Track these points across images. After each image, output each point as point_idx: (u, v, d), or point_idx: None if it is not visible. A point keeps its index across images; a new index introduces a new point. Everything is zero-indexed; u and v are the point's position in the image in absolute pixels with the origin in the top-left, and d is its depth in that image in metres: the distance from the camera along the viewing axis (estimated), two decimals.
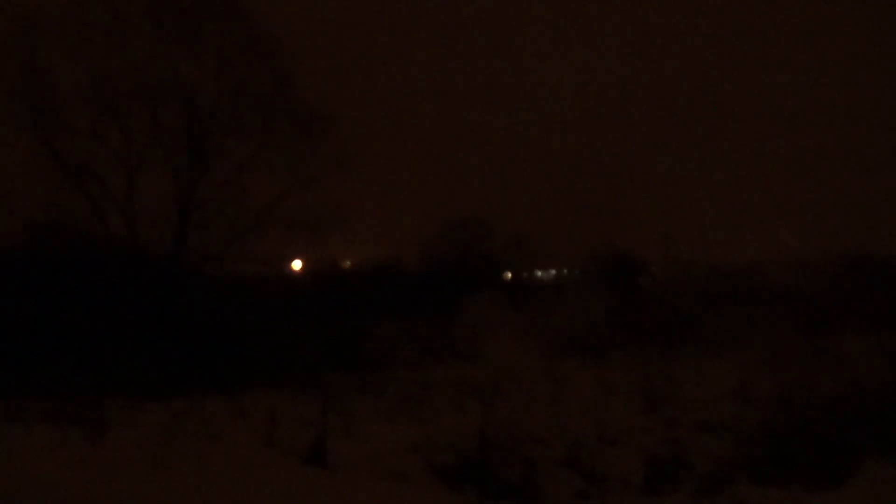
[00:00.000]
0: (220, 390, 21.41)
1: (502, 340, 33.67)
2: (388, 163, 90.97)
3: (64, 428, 15.70)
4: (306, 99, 31.29)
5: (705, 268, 59.31)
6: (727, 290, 46.08)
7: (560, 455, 14.45)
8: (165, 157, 29.91)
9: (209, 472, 12.16)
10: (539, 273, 75.73)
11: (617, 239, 71.43)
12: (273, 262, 33.35)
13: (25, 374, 21.97)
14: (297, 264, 42.02)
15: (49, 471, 12.33)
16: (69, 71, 28.11)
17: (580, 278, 66.10)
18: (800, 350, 25.69)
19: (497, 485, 12.75)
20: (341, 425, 16.37)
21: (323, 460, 13.39)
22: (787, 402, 17.64)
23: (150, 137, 29.44)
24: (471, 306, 36.73)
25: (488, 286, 48.34)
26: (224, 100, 30.38)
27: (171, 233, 29.65)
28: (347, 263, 55.28)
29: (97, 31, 27.97)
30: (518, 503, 12.17)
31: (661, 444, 15.25)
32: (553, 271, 75.70)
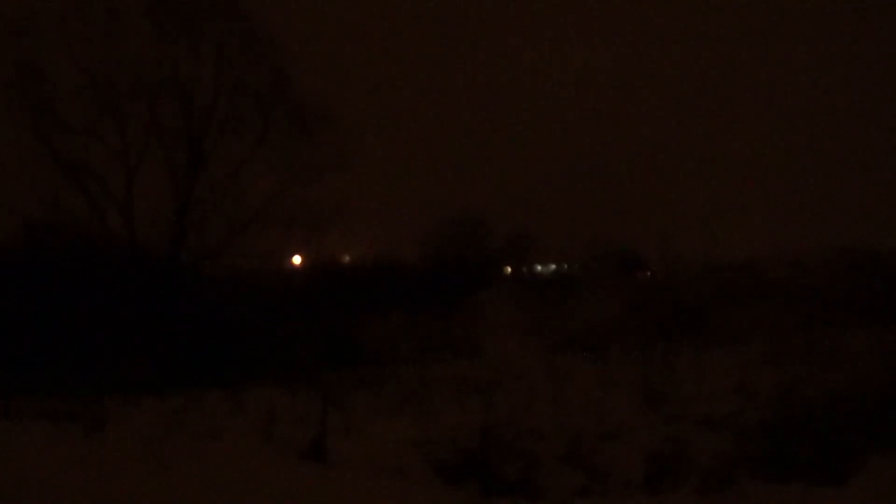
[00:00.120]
0: (219, 387, 21.38)
1: (502, 336, 33.63)
2: (386, 159, 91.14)
3: (62, 425, 15.67)
4: (304, 96, 31.34)
5: (704, 263, 59.31)
6: (727, 285, 46.04)
7: (561, 451, 14.37)
8: (164, 155, 29.90)
9: (208, 470, 12.09)
10: (539, 268, 75.72)
11: (616, 234, 71.42)
12: (272, 259, 33.26)
13: (24, 372, 21.93)
14: (296, 259, 41.94)
15: (47, 469, 12.28)
16: (68, 69, 28.08)
17: (579, 273, 66.08)
18: (800, 346, 25.65)
19: (497, 481, 12.66)
20: (341, 422, 16.29)
21: (323, 457, 13.31)
22: (788, 398, 17.56)
23: (149, 135, 29.41)
24: (475, 302, 36.75)
25: (489, 282, 48.32)
26: (222, 98, 30.41)
27: (170, 230, 29.63)
28: (346, 258, 55.18)
29: (95, 30, 27.96)
30: (519, 500, 12.07)
31: (663, 441, 15.15)
32: (553, 266, 75.68)
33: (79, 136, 28.35)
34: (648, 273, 66.96)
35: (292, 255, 39.35)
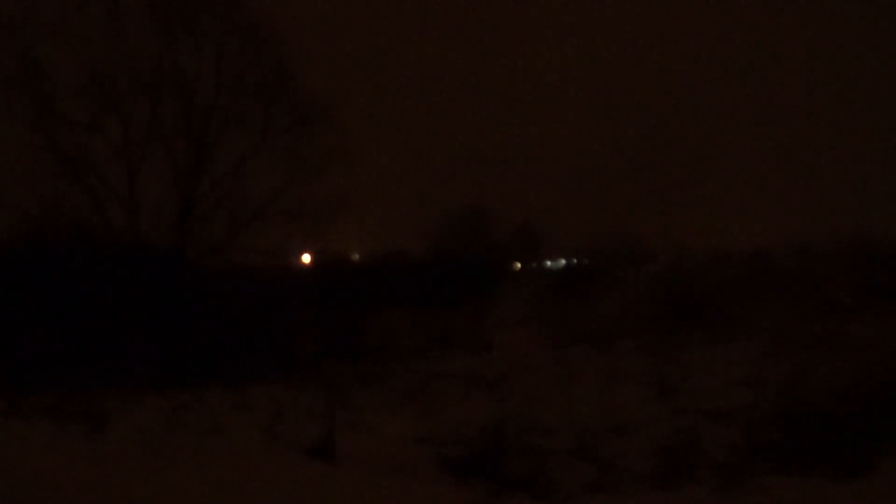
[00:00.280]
0: (223, 383, 21.24)
1: (511, 330, 33.53)
2: (391, 154, 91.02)
3: (64, 423, 15.52)
4: (307, 90, 31.12)
5: (711, 254, 59.23)
6: (734, 276, 45.96)
7: (571, 445, 14.18)
8: (166, 151, 29.70)
9: (211, 468, 11.91)
10: (549, 263, 75.78)
11: (623, 228, 71.52)
12: (276, 254, 33.07)
13: (27, 368, 21.81)
14: (306, 258, 41.85)
15: (48, 467, 12.11)
16: (68, 66, 27.89)
17: (588, 268, 66.10)
18: (809, 335, 25.53)
19: (507, 477, 12.44)
20: (347, 418, 16.11)
21: (330, 455, 13.11)
22: (799, 388, 17.40)
23: (150, 130, 29.17)
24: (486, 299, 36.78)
25: (499, 279, 48.31)
26: (224, 92, 30.17)
27: (173, 226, 29.42)
28: (356, 256, 55.16)
29: (96, 26, 27.75)
30: (529, 496, 11.85)
31: (674, 434, 14.95)
32: (563, 261, 75.79)
33: (80, 132, 28.13)
34: (657, 266, 67.01)
35: (297, 251, 39.21)
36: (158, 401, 18.71)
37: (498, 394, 18.88)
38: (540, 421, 15.77)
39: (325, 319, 30.64)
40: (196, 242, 30.06)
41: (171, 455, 12.67)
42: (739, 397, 18.09)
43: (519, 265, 71.63)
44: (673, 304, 36.14)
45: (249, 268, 32.38)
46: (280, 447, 13.90)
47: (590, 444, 14.23)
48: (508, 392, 19.20)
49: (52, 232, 27.57)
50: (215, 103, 29.97)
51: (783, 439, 14.12)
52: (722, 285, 40.33)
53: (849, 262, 42.47)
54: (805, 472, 11.70)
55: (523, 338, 31.91)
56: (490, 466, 12.89)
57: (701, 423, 15.80)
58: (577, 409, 16.98)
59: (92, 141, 28.33)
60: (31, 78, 27.21)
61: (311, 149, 30.68)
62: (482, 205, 69.93)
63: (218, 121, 30.05)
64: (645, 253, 68.30)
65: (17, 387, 19.94)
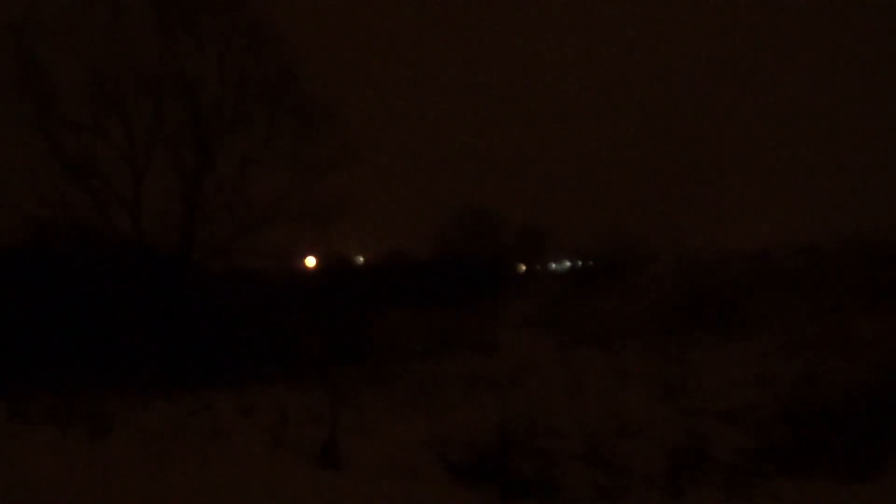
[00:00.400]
0: (228, 387, 21.16)
1: (517, 331, 33.42)
2: (396, 155, 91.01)
3: (68, 426, 15.46)
4: (311, 91, 31.00)
5: (715, 254, 59.14)
6: (739, 275, 45.87)
7: (578, 448, 14.06)
8: (170, 153, 29.61)
9: (215, 474, 11.82)
10: (554, 265, 75.72)
11: (628, 229, 71.45)
12: (281, 257, 32.96)
13: (31, 371, 21.75)
14: (310, 261, 41.79)
15: (51, 472, 12.06)
16: (72, 67, 27.80)
17: (593, 269, 66.02)
18: (815, 335, 25.46)
19: (514, 480, 12.33)
20: (352, 421, 16.01)
21: (334, 461, 12.99)
22: (808, 389, 17.32)
23: (154, 132, 29.08)
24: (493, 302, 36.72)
25: (504, 281, 48.22)
26: (228, 93, 30.08)
27: (176, 228, 29.33)
28: (361, 259, 55.10)
29: (99, 27, 27.67)
30: (536, 500, 11.74)
31: (683, 436, 14.84)
32: (568, 262, 75.74)
33: (84, 134, 28.04)
34: (661, 266, 66.86)
35: (302, 253, 39.12)
36: (163, 404, 18.65)
37: (504, 396, 18.75)
38: (547, 423, 15.65)
39: (329, 321, 30.54)
40: (200, 245, 29.95)
41: (174, 461, 12.60)
42: (746, 398, 18.01)
43: (524, 267, 71.58)
44: (678, 304, 36.06)
45: (254, 270, 32.30)
46: (285, 452, 13.81)
47: (597, 447, 14.10)
48: (515, 394, 19.07)
49: (56, 234, 27.49)
50: (219, 105, 29.88)
51: (791, 441, 14.03)
52: (727, 285, 40.22)
53: (853, 262, 42.41)
54: (814, 475, 11.62)
55: (529, 339, 31.82)
56: (497, 470, 12.77)
57: (709, 424, 15.70)
58: (584, 411, 16.87)
59: (95, 143, 28.26)
60: (34, 80, 27.14)
61: (315, 150, 30.60)
62: (487, 206, 69.92)
63: (222, 122, 29.96)
64: (649, 253, 68.14)
65: (22, 389, 19.88)
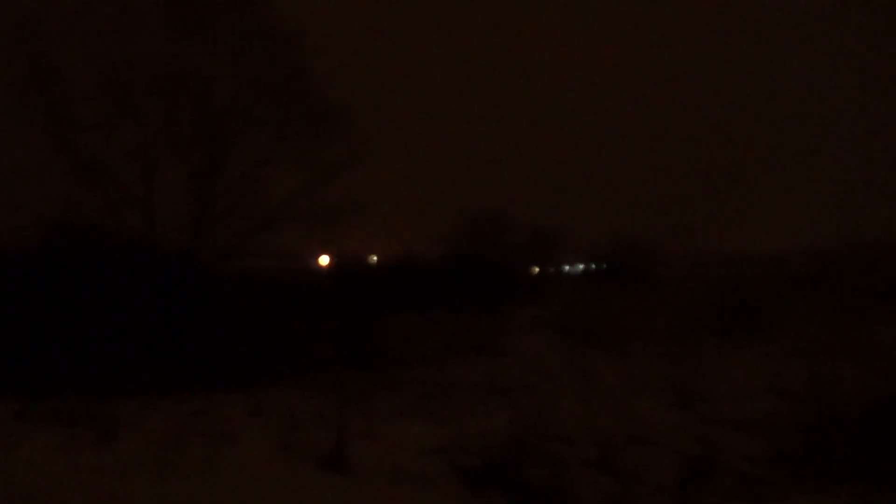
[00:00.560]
0: (237, 388, 21.06)
1: (527, 335, 33.27)
2: (410, 155, 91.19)
3: (74, 429, 15.35)
4: (324, 91, 30.91)
5: (730, 259, 59.11)
6: (753, 281, 45.78)
7: (590, 455, 13.90)
8: (182, 153, 29.53)
9: (221, 479, 11.69)
10: (567, 268, 75.66)
11: (640, 232, 71.48)
12: (292, 257, 32.87)
13: (39, 372, 21.68)
14: (324, 259, 41.73)
15: (56, 474, 11.95)
16: (82, 67, 27.73)
17: (606, 272, 65.99)
18: (830, 340, 25.34)
19: (525, 488, 12.17)
20: (361, 426, 15.88)
21: (342, 465, 12.84)
22: (821, 396, 17.15)
23: (166, 132, 29.00)
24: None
25: (516, 281, 48.07)
26: (240, 93, 30.00)
27: (188, 228, 29.26)
28: (374, 259, 55.06)
29: (110, 26, 27.61)
30: None
31: (695, 443, 14.69)
32: (581, 265, 75.71)
33: (95, 134, 27.96)
34: (675, 270, 66.88)
35: (313, 254, 39.06)
36: (171, 406, 18.54)
37: (515, 401, 18.61)
38: (559, 430, 15.51)
39: (340, 324, 30.43)
40: (211, 245, 29.89)
41: (180, 464, 12.48)
42: (760, 405, 17.90)
43: (537, 269, 71.46)
44: (692, 308, 35.92)
45: (265, 271, 32.25)
46: (293, 456, 13.67)
47: (609, 453, 13.94)
48: (526, 399, 18.93)
49: (66, 234, 27.42)
50: (231, 105, 29.80)
51: (805, 449, 13.88)
52: (740, 290, 40.09)
53: (867, 267, 42.26)
54: (828, 486, 11.47)
55: (541, 343, 31.69)
56: (508, 477, 12.63)
57: (721, 432, 15.56)
58: (597, 417, 16.73)
59: (106, 143, 28.19)
60: (45, 79, 27.08)
61: (327, 151, 30.50)
62: (500, 208, 69.89)
63: (233, 122, 29.87)
64: (663, 257, 68.14)
65: (29, 390, 19.80)
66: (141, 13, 27.94)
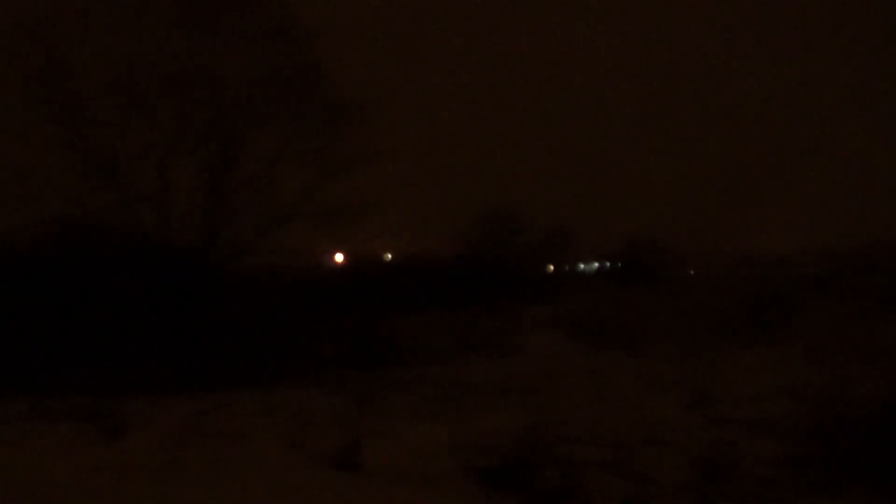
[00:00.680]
0: (249, 386, 20.99)
1: (541, 333, 33.13)
2: (423, 152, 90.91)
3: (84, 426, 15.29)
4: (338, 88, 30.85)
5: (741, 258, 59.02)
6: (766, 281, 45.69)
7: (605, 457, 13.76)
8: (194, 148, 29.50)
9: (230, 478, 11.58)
10: (582, 266, 75.55)
11: (654, 231, 71.17)
12: (305, 255, 32.86)
13: (49, 369, 21.66)
14: (338, 257, 41.77)
15: (65, 474, 11.86)
16: (95, 63, 27.70)
17: (620, 271, 65.85)
18: (844, 341, 25.22)
19: (539, 489, 12.03)
20: (373, 424, 15.77)
21: (354, 464, 12.72)
22: (838, 398, 17.02)
23: (179, 129, 28.97)
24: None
25: (530, 279, 47.93)
26: (253, 90, 29.95)
27: (201, 225, 29.24)
28: (388, 256, 55.01)
29: (123, 22, 27.58)
30: None
31: (710, 444, 14.53)
32: (596, 264, 75.60)
33: (107, 131, 27.95)
34: (691, 271, 66.78)
35: (326, 252, 39.08)
36: (182, 404, 18.45)
37: (529, 401, 18.49)
38: (573, 430, 15.38)
39: (352, 321, 30.35)
40: (224, 242, 29.88)
41: (190, 464, 12.39)
42: (775, 406, 17.72)
43: (552, 267, 71.32)
44: (707, 308, 35.76)
45: (277, 269, 32.22)
46: (304, 456, 13.56)
47: (625, 455, 13.81)
48: (540, 399, 18.80)
49: (78, 232, 27.41)
50: (244, 101, 29.77)
51: (821, 453, 13.72)
52: (754, 290, 39.96)
53: (879, 268, 42.18)
54: (844, 491, 11.33)
55: (554, 342, 31.56)
56: (522, 478, 12.49)
57: (737, 433, 15.40)
58: (611, 418, 16.60)
59: (119, 140, 28.17)
60: (58, 77, 27.05)
61: (341, 148, 30.48)
62: (514, 206, 69.66)
63: (247, 119, 29.85)
64: (677, 257, 67.93)
65: (42, 387, 19.78)
66: (154, 10, 27.94)
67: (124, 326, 24.21)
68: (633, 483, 12.56)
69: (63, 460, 12.72)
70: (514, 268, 57.47)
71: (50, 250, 26.61)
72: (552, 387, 21.12)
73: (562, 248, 70.78)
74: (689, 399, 18.58)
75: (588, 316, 35.25)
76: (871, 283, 39.25)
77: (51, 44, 26.67)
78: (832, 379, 19.00)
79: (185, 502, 10.41)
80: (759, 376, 21.69)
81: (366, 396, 19.17)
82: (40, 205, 26.50)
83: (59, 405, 17.78)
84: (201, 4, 28.36)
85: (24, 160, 26.16)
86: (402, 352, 27.95)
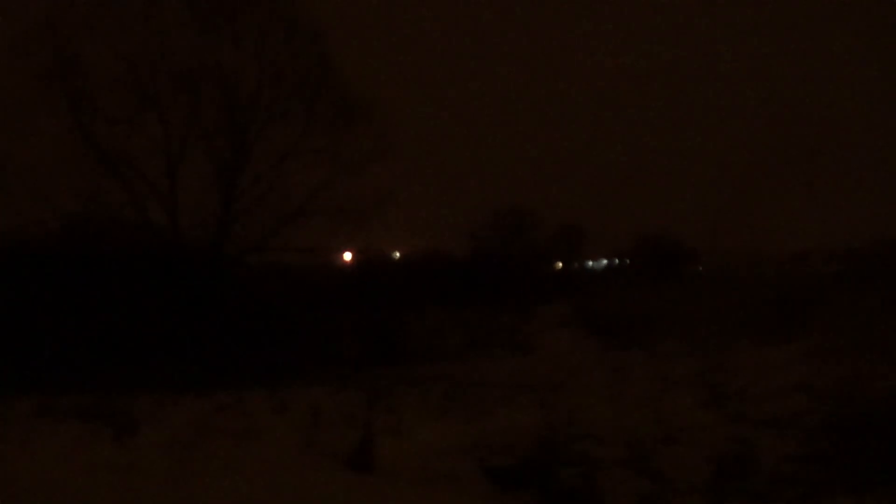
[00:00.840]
0: (261, 384, 20.90)
1: (553, 331, 33.01)
2: (434, 150, 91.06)
3: (94, 425, 15.18)
4: (349, 85, 30.80)
5: (755, 256, 58.88)
6: (781, 278, 45.63)
7: (622, 455, 13.60)
8: (206, 146, 29.47)
9: (243, 475, 11.47)
10: (591, 263, 75.44)
11: (665, 229, 71.07)
12: (317, 252, 32.79)
13: (60, 367, 21.60)
14: (347, 256, 41.73)
15: (75, 472, 11.76)
16: (107, 60, 27.68)
17: (630, 268, 65.70)
18: (859, 338, 25.09)
19: (555, 488, 11.89)
20: (386, 423, 15.62)
21: (367, 464, 12.58)
22: (855, 395, 16.90)
23: (190, 126, 28.94)
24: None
25: (541, 276, 47.81)
26: (265, 86, 29.90)
27: (212, 222, 29.21)
28: (397, 255, 54.96)
29: (135, 19, 27.55)
30: None
31: (727, 442, 14.38)
32: (605, 261, 75.51)
33: (119, 127, 27.95)
34: (700, 267, 66.58)
35: (338, 248, 39.01)
36: (193, 402, 18.34)
37: (544, 399, 18.34)
38: (589, 428, 15.23)
39: (365, 319, 30.30)
40: (235, 239, 29.86)
41: (201, 461, 12.28)
42: (793, 404, 17.52)
43: (560, 265, 71.22)
44: (721, 305, 35.64)
45: (289, 265, 32.17)
46: (317, 453, 13.44)
47: (641, 453, 13.66)
48: (555, 397, 18.65)
49: (91, 228, 27.38)
50: (256, 98, 29.73)
51: (839, 450, 13.57)
52: (768, 287, 39.84)
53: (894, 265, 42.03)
54: (863, 488, 11.17)
55: (567, 340, 31.45)
56: (538, 477, 12.35)
57: (755, 431, 15.24)
58: (627, 415, 16.44)
59: (130, 136, 28.16)
60: (69, 73, 27.01)
61: (352, 145, 30.47)
62: (525, 204, 69.68)
63: (258, 116, 29.82)
64: (689, 253, 67.76)
65: (51, 385, 19.70)
66: (166, 7, 27.89)
67: (134, 323, 24.14)
68: (649, 482, 12.42)
69: (72, 460, 12.61)
70: (526, 265, 57.32)
71: (60, 247, 26.56)
72: (567, 384, 20.99)
73: (573, 246, 70.70)
74: (706, 396, 18.44)
75: (602, 313, 35.13)
76: (888, 281, 39.10)
77: (62, 41, 26.65)
78: (849, 375, 18.86)
79: (197, 503, 10.29)
80: (776, 373, 21.50)
81: (379, 394, 19.07)
82: (51, 201, 26.51)
83: (67, 404, 17.68)
84: (214, 2, 28.30)
85: (35, 157, 26.16)
86: (415, 349, 27.89)
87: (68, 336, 22.91)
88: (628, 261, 71.75)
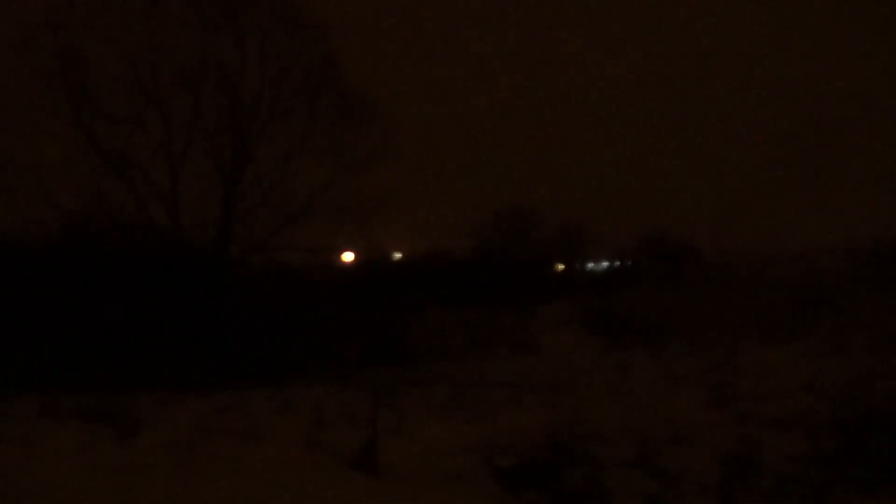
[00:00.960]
0: (265, 385, 20.84)
1: (556, 331, 32.92)
2: (437, 150, 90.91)
3: (97, 426, 15.13)
4: (352, 84, 30.76)
5: (758, 255, 58.72)
6: (786, 277, 45.52)
7: (629, 455, 13.51)
8: (209, 145, 29.42)
9: (247, 476, 11.39)
10: (591, 264, 75.32)
11: (667, 228, 71.01)
12: (318, 252, 32.73)
13: (63, 368, 21.56)
14: (348, 256, 41.65)
15: (78, 473, 11.67)
16: (109, 59, 27.64)
17: (632, 269, 65.59)
18: (865, 337, 25.03)
19: (562, 489, 11.80)
20: (391, 423, 15.53)
21: (372, 465, 12.48)
22: (861, 395, 16.82)
23: (193, 125, 28.89)
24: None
25: (543, 277, 47.74)
26: (268, 86, 29.84)
27: (215, 222, 29.16)
28: (399, 255, 54.90)
29: (137, 18, 27.51)
30: None
31: (734, 442, 14.29)
32: (605, 263, 75.37)
33: (121, 127, 27.87)
34: (702, 267, 66.41)
35: (341, 248, 38.95)
36: (197, 402, 18.32)
37: (549, 399, 18.24)
38: (595, 428, 15.13)
39: (367, 319, 30.25)
40: (237, 239, 29.81)
41: (204, 462, 12.21)
42: (800, 404, 17.43)
43: (562, 266, 71.17)
44: (726, 305, 35.56)
45: (291, 265, 32.12)
46: (320, 454, 13.37)
47: (648, 453, 13.56)
48: (561, 397, 18.56)
49: (93, 228, 27.32)
50: (258, 97, 29.68)
51: (846, 450, 13.48)
52: (773, 286, 39.77)
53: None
54: (870, 488, 11.10)
55: (571, 339, 31.37)
56: (544, 477, 12.26)
57: (762, 431, 15.15)
58: (634, 415, 16.35)
59: (134, 136, 28.11)
60: (72, 72, 26.96)
61: (355, 144, 30.42)
62: (526, 204, 69.59)
63: (261, 115, 29.78)
64: (691, 253, 67.68)
65: (53, 386, 19.65)
66: (168, 6, 27.84)
67: (136, 324, 24.10)
68: (656, 482, 12.34)
69: (76, 460, 12.57)
70: (528, 265, 57.29)
71: (62, 247, 26.51)
72: (572, 384, 20.89)
73: (575, 247, 70.58)
74: (712, 396, 18.34)
75: (606, 312, 35.07)
76: (894, 280, 39.00)
77: (64, 40, 26.61)
78: (855, 375, 18.80)
79: (201, 501, 10.20)
80: (782, 373, 21.42)
81: (383, 395, 18.98)
82: (52, 201, 26.45)
83: (69, 404, 17.67)
84: (215, 1, 28.26)
85: (36, 156, 26.10)
86: (417, 350, 27.82)
87: (70, 336, 22.87)
88: (630, 262, 71.55)
